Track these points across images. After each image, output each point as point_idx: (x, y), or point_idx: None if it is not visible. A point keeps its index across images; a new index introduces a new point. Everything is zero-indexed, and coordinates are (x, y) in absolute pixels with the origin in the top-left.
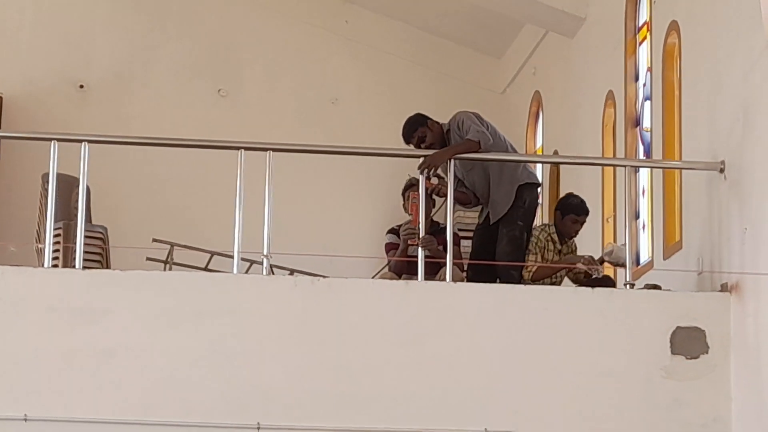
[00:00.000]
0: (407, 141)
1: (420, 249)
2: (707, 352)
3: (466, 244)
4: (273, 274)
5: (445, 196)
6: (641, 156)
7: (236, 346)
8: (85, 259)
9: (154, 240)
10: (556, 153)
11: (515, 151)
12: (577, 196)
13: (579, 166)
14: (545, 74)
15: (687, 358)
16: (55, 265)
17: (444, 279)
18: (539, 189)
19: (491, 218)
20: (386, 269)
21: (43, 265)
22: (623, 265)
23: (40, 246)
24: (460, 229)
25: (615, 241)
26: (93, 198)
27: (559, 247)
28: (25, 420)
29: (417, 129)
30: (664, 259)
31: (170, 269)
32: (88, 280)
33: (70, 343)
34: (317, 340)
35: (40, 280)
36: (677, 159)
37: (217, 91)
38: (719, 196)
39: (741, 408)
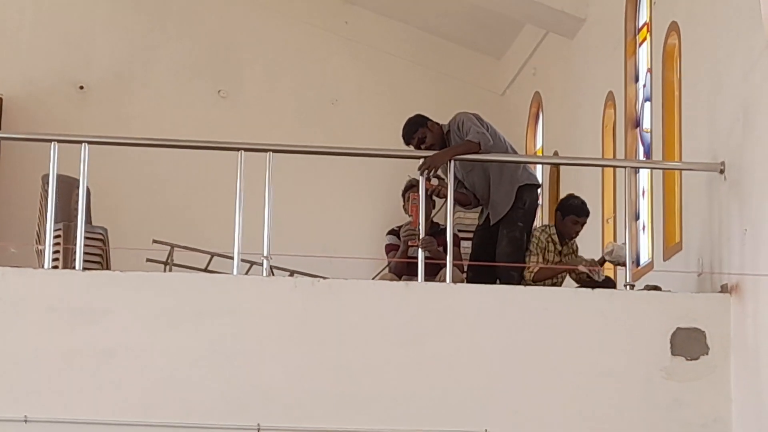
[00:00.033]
0: (407, 142)
1: (420, 250)
2: (707, 353)
3: (466, 245)
4: (273, 275)
5: (445, 197)
6: (641, 157)
7: (236, 346)
8: (85, 260)
9: (154, 241)
10: (556, 154)
11: (515, 152)
12: (577, 198)
13: (579, 167)
14: (545, 75)
15: (687, 359)
16: (56, 266)
17: (444, 280)
18: (539, 190)
19: (491, 219)
20: (386, 270)
21: (43, 266)
22: (624, 264)
23: (40, 247)
24: (460, 230)
25: (615, 241)
26: (93, 199)
27: (559, 248)
28: (26, 421)
29: (417, 130)
30: (664, 260)
31: (170, 270)
32: (88, 281)
33: (71, 344)
34: (317, 341)
35: (41, 281)
36: (677, 160)
37: (218, 91)
38: (719, 196)
39: (741, 409)
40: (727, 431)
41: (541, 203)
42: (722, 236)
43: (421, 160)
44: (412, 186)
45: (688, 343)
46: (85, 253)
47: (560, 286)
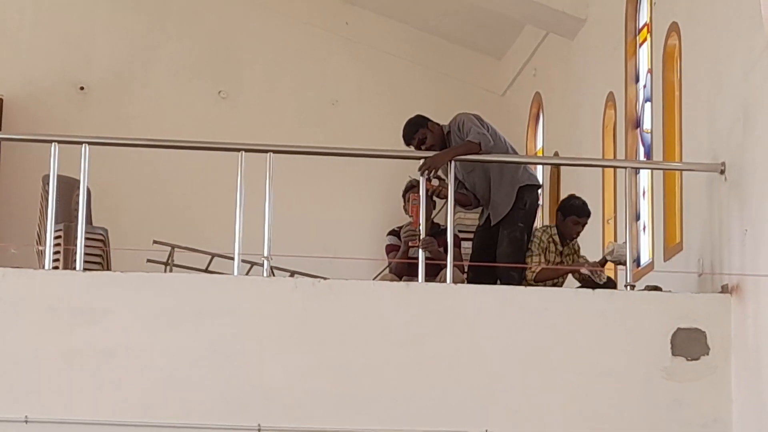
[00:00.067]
0: (407, 142)
1: (420, 251)
2: (708, 354)
3: (467, 246)
4: (273, 275)
5: (446, 197)
6: (642, 157)
7: (237, 347)
8: (85, 261)
9: (155, 242)
10: (556, 154)
11: (516, 153)
12: (578, 198)
13: (579, 167)
14: (546, 75)
15: (687, 360)
16: (56, 267)
17: (444, 280)
18: (540, 190)
19: (492, 220)
20: (387, 271)
21: (43, 267)
22: (624, 263)
23: (40, 248)
24: (460, 231)
25: (616, 241)
26: (93, 199)
27: (560, 248)
28: (26, 422)
29: (417, 130)
30: (665, 260)
31: (171, 271)
32: (88, 281)
33: (71, 344)
34: (318, 342)
35: (41, 281)
36: (678, 160)
37: (218, 92)
38: (720, 197)
39: (741, 409)
40: (728, 431)
41: (541, 204)
42: (723, 237)
43: (422, 161)
44: (412, 186)
45: (689, 344)
46: (86, 254)
47: (561, 286)
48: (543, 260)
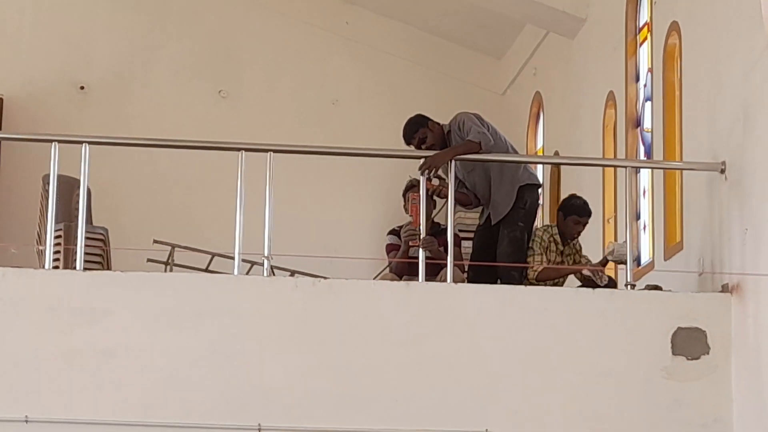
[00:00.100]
0: (408, 142)
1: (421, 250)
2: (708, 353)
3: (467, 245)
4: (274, 275)
5: (446, 197)
6: (642, 157)
7: (237, 346)
8: (85, 261)
9: (155, 241)
10: (556, 154)
11: (516, 152)
12: (579, 198)
13: (580, 166)
14: (546, 75)
15: (688, 359)
16: (56, 267)
17: (445, 280)
18: (540, 190)
19: (492, 219)
20: (387, 270)
21: (43, 267)
22: (625, 263)
23: (40, 247)
24: (460, 230)
25: (616, 241)
26: (94, 199)
27: (561, 248)
28: (26, 421)
29: (418, 130)
30: (665, 259)
31: (171, 270)
32: (88, 281)
33: (71, 344)
34: (318, 341)
35: (41, 281)
36: (678, 160)
37: (218, 92)
38: (720, 196)
39: (742, 409)
40: (728, 431)
41: (541, 203)
42: (723, 236)
43: (422, 160)
44: (412, 186)
45: (689, 343)
46: (86, 254)
47: (561, 286)
48: (544, 260)
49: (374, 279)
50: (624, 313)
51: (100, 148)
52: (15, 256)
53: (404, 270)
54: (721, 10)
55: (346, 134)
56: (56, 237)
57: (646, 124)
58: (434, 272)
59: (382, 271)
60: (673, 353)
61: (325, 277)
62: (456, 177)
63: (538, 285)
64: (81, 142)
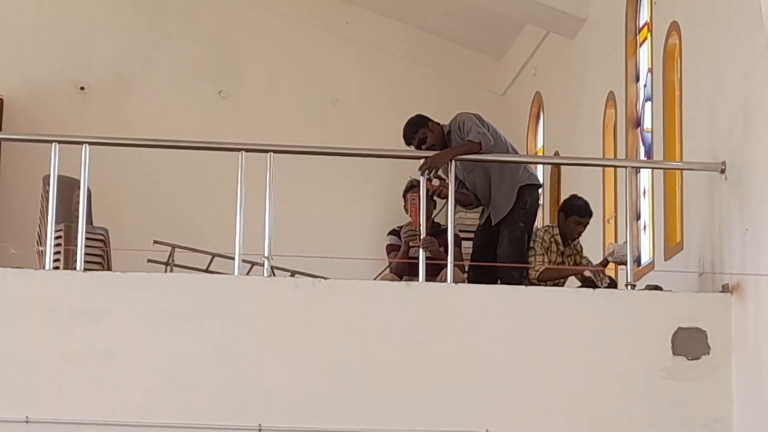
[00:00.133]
0: (408, 142)
1: (421, 250)
2: (708, 353)
3: (467, 246)
4: (274, 275)
5: (446, 197)
6: (642, 157)
7: (237, 347)
8: (86, 261)
9: (155, 242)
10: (556, 154)
11: (516, 152)
12: (581, 198)
13: (580, 167)
14: (546, 75)
15: (688, 359)
16: (57, 267)
17: (445, 280)
18: (540, 190)
19: (492, 219)
20: (387, 271)
21: (44, 267)
22: (626, 264)
23: (41, 248)
24: (461, 231)
25: (616, 241)
26: (94, 200)
27: (562, 248)
28: (27, 422)
29: (418, 130)
30: (665, 259)
31: (171, 271)
32: (89, 281)
33: (72, 344)
34: (318, 342)
35: (41, 281)
36: (678, 160)
37: (218, 92)
38: (720, 196)
39: (742, 409)
40: (728, 431)
41: (541, 203)
42: (723, 236)
43: (422, 161)
44: (413, 186)
45: (690, 343)
46: (86, 254)
47: (562, 286)
48: (546, 260)
49: (374, 279)
50: (624, 314)
51: (101, 149)
52: (15, 256)
53: (404, 270)
54: (721, 10)
55: (346, 134)
56: (56, 237)
57: (646, 124)
58: (434, 272)
59: (383, 271)
60: (674, 353)
61: (325, 278)
62: (456, 177)
63: (539, 285)
64: (81, 143)
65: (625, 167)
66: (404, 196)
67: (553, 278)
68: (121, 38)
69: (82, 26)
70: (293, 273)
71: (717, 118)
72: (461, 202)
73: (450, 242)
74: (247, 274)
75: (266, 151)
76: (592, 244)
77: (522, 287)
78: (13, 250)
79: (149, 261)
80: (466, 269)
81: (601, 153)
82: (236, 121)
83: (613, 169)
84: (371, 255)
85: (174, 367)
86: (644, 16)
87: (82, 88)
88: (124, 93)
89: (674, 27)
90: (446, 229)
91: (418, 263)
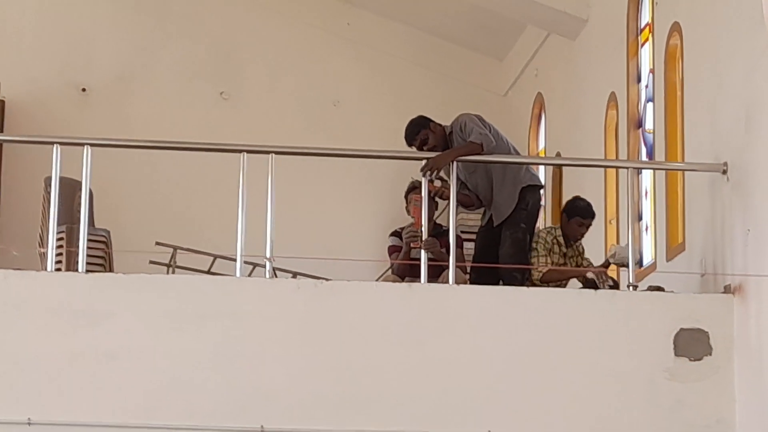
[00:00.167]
0: (410, 143)
1: (423, 251)
2: (710, 354)
3: (469, 247)
4: (276, 277)
5: (448, 198)
6: (644, 157)
7: (239, 348)
8: (88, 263)
9: (157, 243)
10: (558, 155)
11: (518, 153)
12: (583, 200)
13: (581, 168)
14: (547, 76)
15: (690, 360)
16: (58, 269)
17: (447, 281)
18: (542, 191)
19: (494, 220)
20: (389, 272)
21: (46, 269)
22: (627, 266)
23: (43, 250)
24: (463, 232)
25: (618, 243)
26: (96, 201)
27: (564, 250)
28: (29, 424)
29: (419, 131)
30: (667, 260)
31: (173, 272)
32: (90, 283)
33: (74, 346)
34: (320, 343)
35: (43, 283)
36: (680, 160)
37: (219, 93)
38: (722, 197)
39: (744, 409)
40: None
41: (543, 204)
42: (725, 237)
43: (424, 162)
44: (414, 187)
45: (692, 344)
46: (88, 256)
47: (565, 287)
48: (549, 261)
49: (376, 280)
50: (626, 314)
51: (102, 150)
52: (17, 258)
53: (406, 271)
54: (722, 10)
55: (347, 136)
56: (58, 239)
57: (648, 124)
58: (436, 274)
59: (384, 272)
60: (676, 354)
61: (327, 279)
62: (458, 178)
63: (542, 286)
64: (83, 144)
65: (627, 168)
66: (406, 197)
67: (556, 280)
68: (122, 40)
69: (84, 28)
70: (295, 274)
71: (719, 119)
72: (463, 203)
73: (452, 243)
74: (249, 275)
75: (267, 152)
76: (593, 245)
77: (524, 288)
78: (14, 251)
79: (151, 262)
80: (468, 270)
81: (603, 154)
82: (237, 122)
83: (614, 169)
84: (373, 256)
85: (176, 368)
86: (645, 17)
87: (84, 90)
88: (125, 94)
89: (676, 27)
90: (448, 231)
91: (419, 264)
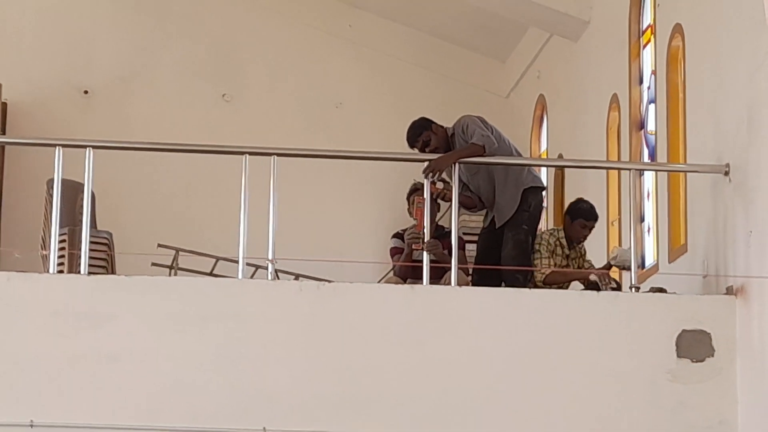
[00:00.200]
0: (412, 145)
1: (425, 253)
2: (713, 355)
3: (471, 248)
4: (278, 278)
5: (450, 200)
6: (646, 159)
7: (242, 350)
8: (90, 265)
9: (159, 245)
10: (560, 156)
11: (520, 155)
12: (586, 202)
13: (584, 169)
14: (549, 78)
15: (692, 361)
16: (61, 271)
17: (449, 283)
18: (544, 193)
19: (496, 222)
20: (391, 273)
21: (48, 271)
22: (629, 268)
23: (45, 252)
24: (465, 233)
25: (620, 244)
26: (98, 203)
27: (567, 251)
28: (31, 426)
29: (421, 133)
30: (670, 262)
31: (175, 274)
32: (93, 285)
33: (76, 348)
34: (322, 345)
35: (46, 285)
36: (682, 162)
37: (221, 95)
38: (724, 198)
39: (747, 411)
40: None
41: (545, 206)
42: (727, 238)
43: (426, 164)
44: (416, 189)
45: (694, 346)
46: (90, 258)
47: (567, 289)
48: (552, 263)
49: (378, 282)
50: (628, 316)
51: (104, 152)
52: (19, 260)
53: (408, 273)
54: (723, 12)
55: (349, 137)
56: (60, 241)
57: (650, 126)
58: (438, 275)
59: (387, 274)
60: (678, 356)
61: (329, 281)
62: (460, 180)
63: (545, 288)
64: (85, 147)
65: (629, 169)
66: (408, 199)
67: (559, 281)
68: (124, 42)
69: (85, 30)
70: (297, 276)
71: (721, 120)
72: (465, 205)
73: (454, 245)
74: (251, 277)
75: (270, 154)
76: (595, 246)
77: (526, 290)
78: (17, 254)
79: (153, 264)
80: (470, 272)
81: (605, 155)
82: (240, 124)
83: (617, 171)
84: (375, 258)
85: (178, 370)
86: (647, 19)
87: (86, 92)
88: (127, 96)
89: (677, 29)
90: (450, 232)
91: (422, 266)
